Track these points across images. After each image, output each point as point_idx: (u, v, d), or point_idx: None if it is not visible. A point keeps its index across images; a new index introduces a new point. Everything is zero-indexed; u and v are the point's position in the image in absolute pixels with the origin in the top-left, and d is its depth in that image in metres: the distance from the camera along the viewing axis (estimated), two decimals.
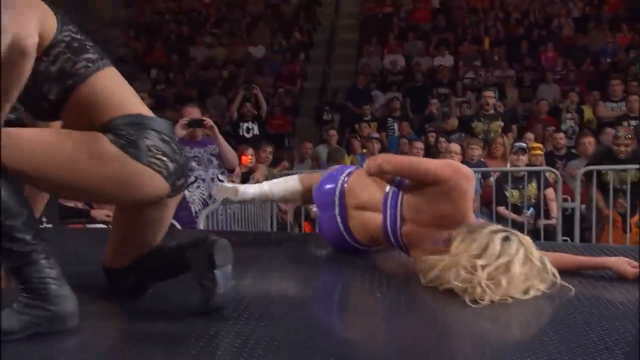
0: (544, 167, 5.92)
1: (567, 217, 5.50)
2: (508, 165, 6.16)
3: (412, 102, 9.60)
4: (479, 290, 1.92)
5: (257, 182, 5.53)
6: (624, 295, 2.09)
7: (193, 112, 4.60)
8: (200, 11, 13.17)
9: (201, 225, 3.97)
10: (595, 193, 5.33)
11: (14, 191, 1.67)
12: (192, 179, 4.34)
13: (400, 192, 2.40)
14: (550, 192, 5.71)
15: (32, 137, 1.72)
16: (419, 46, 11.17)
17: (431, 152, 6.92)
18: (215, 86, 10.63)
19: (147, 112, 1.88)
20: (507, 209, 5.63)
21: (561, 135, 6.86)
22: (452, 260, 2.01)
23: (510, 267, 1.97)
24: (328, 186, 2.64)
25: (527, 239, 2.09)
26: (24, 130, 1.76)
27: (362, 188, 2.55)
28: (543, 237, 5.34)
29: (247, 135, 7.61)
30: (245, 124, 7.77)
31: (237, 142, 6.81)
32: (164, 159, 1.81)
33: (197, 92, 10.27)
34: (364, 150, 7.37)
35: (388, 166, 2.38)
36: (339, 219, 2.59)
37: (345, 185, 2.61)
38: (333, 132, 7.95)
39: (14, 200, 1.65)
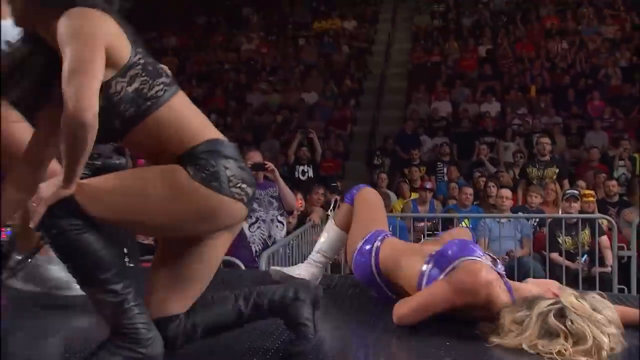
0: (597, 215, 5.73)
1: (623, 266, 5.27)
2: (560, 211, 5.99)
3: (458, 147, 9.48)
4: None
5: (314, 223, 5.49)
6: None
7: (255, 156, 4.68)
8: (257, 60, 13.35)
9: (263, 265, 3.93)
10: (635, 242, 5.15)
11: (105, 244, 1.67)
12: (253, 219, 4.38)
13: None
14: (604, 239, 5.50)
15: (110, 185, 1.72)
16: (466, 93, 11.08)
17: (480, 195, 6.79)
18: (270, 130, 10.70)
19: (220, 136, 1.82)
20: (560, 255, 5.47)
21: (613, 182, 6.67)
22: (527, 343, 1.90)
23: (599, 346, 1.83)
24: (362, 259, 2.58)
25: (579, 304, 1.88)
26: (101, 179, 1.75)
27: (395, 263, 2.45)
28: (598, 285, 5.12)
29: (302, 178, 7.62)
30: (301, 167, 7.80)
31: (293, 184, 6.77)
32: (244, 185, 1.76)
33: (252, 136, 10.36)
34: (414, 195, 7.24)
35: (408, 320, 2.19)
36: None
37: (379, 257, 2.53)
38: (384, 176, 7.85)
39: (105, 254, 1.66)
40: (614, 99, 9.95)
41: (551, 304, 1.90)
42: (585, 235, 5.54)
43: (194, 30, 14.69)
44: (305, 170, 7.71)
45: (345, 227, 2.80)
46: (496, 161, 8.52)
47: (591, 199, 6.11)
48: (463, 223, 5.77)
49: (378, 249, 2.54)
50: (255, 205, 4.32)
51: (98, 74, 1.63)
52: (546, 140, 7.36)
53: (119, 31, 1.73)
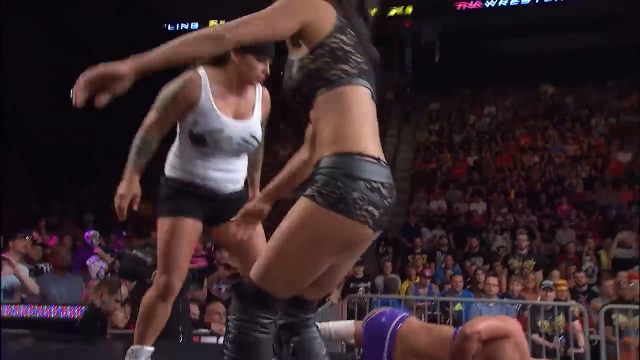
0: (570, 302, 5.48)
1: (595, 347, 4.99)
2: (538, 298, 5.75)
3: (454, 238, 9.28)
4: None
5: (332, 304, 5.30)
6: None
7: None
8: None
9: None
10: (603, 329, 4.91)
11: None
12: None
13: None
14: (577, 324, 5.24)
15: (273, 261, 1.46)
16: (458, 194, 10.96)
17: (471, 282, 6.58)
18: None
19: (368, 148, 1.47)
20: (540, 336, 5.20)
21: (582, 274, 6.42)
22: None
23: None
24: (383, 320, 2.37)
25: None
26: (261, 259, 1.49)
27: (417, 339, 2.27)
28: None
29: None
30: None
31: None
32: (370, 208, 1.42)
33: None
34: (417, 280, 7.03)
35: None
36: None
37: (398, 328, 2.31)
38: (389, 264, 7.63)
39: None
40: (578, 204, 9.77)
41: None
42: (560, 320, 5.30)
43: None
44: None
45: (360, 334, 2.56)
46: (485, 253, 8.29)
47: (564, 288, 5.85)
48: (456, 306, 5.59)
49: (402, 321, 2.38)
50: None
51: (270, 30, 1.45)
52: (524, 236, 7.19)
53: (325, 15, 1.51)
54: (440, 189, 11.25)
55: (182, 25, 17.14)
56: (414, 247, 8.69)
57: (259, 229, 2.24)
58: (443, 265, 7.97)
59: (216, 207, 2.23)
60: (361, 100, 1.51)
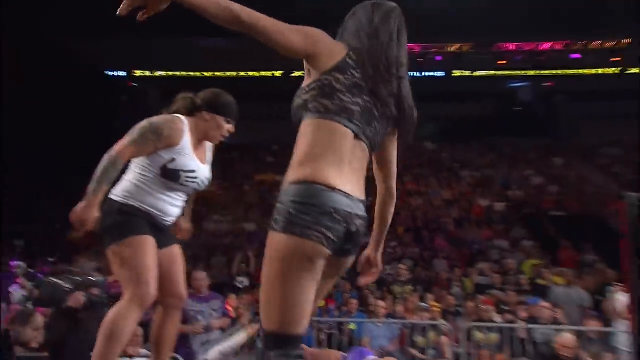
0: (440, 321, 5.78)
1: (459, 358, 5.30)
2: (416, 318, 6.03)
3: (352, 267, 9.44)
4: None
5: (243, 325, 5.24)
6: None
7: (200, 275, 4.46)
8: (214, 199, 13.28)
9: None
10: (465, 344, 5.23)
11: None
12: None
13: None
14: (444, 339, 5.51)
15: (264, 298, 1.40)
16: None
17: (365, 305, 6.76)
18: (219, 250, 10.43)
19: (326, 177, 1.38)
20: (416, 350, 5.44)
21: (452, 298, 6.80)
22: None
23: None
24: None
25: None
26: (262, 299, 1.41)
27: None
28: None
29: (240, 286, 7.34)
30: (240, 278, 7.56)
31: (235, 290, 6.55)
32: (323, 229, 1.34)
33: (206, 253, 10.06)
34: (322, 304, 7.09)
35: None
36: None
37: None
38: None
39: None
40: (451, 240, 10.38)
41: None
42: (432, 336, 5.55)
43: None
44: (243, 281, 7.49)
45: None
46: (377, 280, 8.50)
47: (437, 309, 6.19)
48: (350, 325, 5.71)
49: None
50: (199, 317, 4.06)
51: (281, 37, 1.37)
52: (403, 266, 7.52)
53: (332, 53, 1.44)
54: None
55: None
56: None
57: (178, 251, 2.27)
58: (341, 290, 8.14)
59: (157, 235, 2.16)
60: (330, 134, 1.41)
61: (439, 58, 16.28)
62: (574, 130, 15.12)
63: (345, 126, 1.41)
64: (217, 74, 17.15)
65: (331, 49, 1.45)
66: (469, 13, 13.14)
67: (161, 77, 17.15)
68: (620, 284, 5.34)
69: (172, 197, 2.21)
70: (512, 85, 17.66)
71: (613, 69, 16.59)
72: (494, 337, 5.42)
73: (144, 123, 2.10)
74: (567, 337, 4.42)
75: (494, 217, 11.04)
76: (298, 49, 1.41)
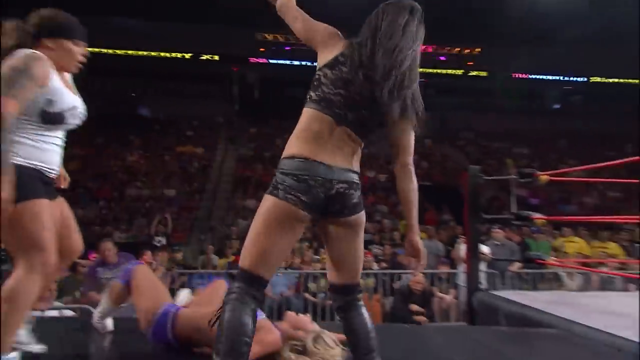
0: None
1: None
2: (311, 268, 6.24)
3: None
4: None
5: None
6: None
7: (107, 245, 4.23)
8: (136, 167, 12.55)
9: None
10: None
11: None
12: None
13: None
14: None
15: (247, 243, 1.45)
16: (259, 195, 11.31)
17: None
18: (140, 213, 9.95)
19: (302, 151, 1.43)
20: (309, 294, 5.65)
21: None
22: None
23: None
24: (159, 330, 1.90)
25: (327, 333, 1.81)
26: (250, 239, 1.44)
27: (193, 330, 1.84)
28: (335, 316, 5.21)
29: (157, 245, 7.08)
30: (158, 237, 7.29)
31: (152, 249, 6.30)
32: (298, 194, 1.39)
33: (128, 216, 9.56)
34: (232, 259, 7.10)
35: None
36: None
37: (176, 329, 1.88)
38: (211, 247, 7.54)
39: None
40: None
41: (302, 342, 1.77)
42: (323, 282, 5.78)
43: (95, 144, 13.45)
44: (160, 240, 7.24)
45: (119, 303, 2.07)
46: None
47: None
48: None
49: (174, 322, 1.88)
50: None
51: (295, 22, 1.55)
52: None
53: (329, 51, 1.47)
54: (254, 190, 11.52)
55: None
56: (231, 233, 8.80)
57: (65, 204, 1.83)
58: None
59: (47, 191, 1.69)
60: (310, 119, 1.46)
61: None
62: (440, 118, 16.26)
63: (325, 114, 1.45)
64: (129, 52, 15.98)
65: (328, 48, 1.48)
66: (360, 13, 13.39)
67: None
68: (463, 236, 5.96)
69: (55, 143, 1.71)
70: None
71: (471, 71, 18.10)
72: (371, 281, 5.78)
73: (6, 70, 1.54)
74: (418, 277, 4.90)
75: (378, 186, 11.64)
76: (305, 37, 1.53)
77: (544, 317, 2.66)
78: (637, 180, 3.37)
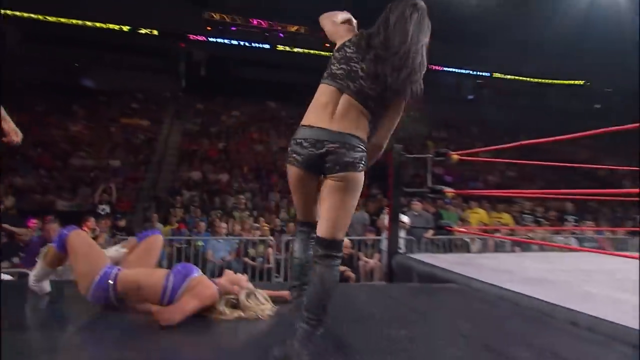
0: (268, 237, 5.95)
1: (278, 264, 5.60)
2: (251, 235, 6.16)
3: (208, 198, 9.18)
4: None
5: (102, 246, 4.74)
6: None
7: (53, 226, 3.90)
8: (80, 137, 11.45)
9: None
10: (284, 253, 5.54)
11: None
12: None
13: None
14: (269, 250, 5.74)
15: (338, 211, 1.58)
16: (210, 168, 10.87)
17: (212, 227, 6.64)
18: (84, 182, 9.14)
19: (307, 119, 1.57)
20: (248, 258, 5.59)
21: (278, 220, 7.01)
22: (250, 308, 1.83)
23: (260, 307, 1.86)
24: (101, 291, 1.81)
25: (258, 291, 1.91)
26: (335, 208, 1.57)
27: (136, 288, 1.81)
28: (266, 276, 5.33)
29: (102, 213, 6.59)
30: (102, 206, 6.76)
31: (96, 217, 5.83)
32: (295, 155, 1.56)
33: (71, 185, 8.74)
34: (175, 226, 6.80)
35: (175, 322, 1.66)
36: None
37: (117, 289, 1.80)
38: (155, 216, 7.12)
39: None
40: (283, 177, 10.62)
41: (236, 296, 1.86)
42: (261, 247, 5.79)
43: (35, 112, 12.02)
44: (105, 208, 6.73)
45: (54, 266, 1.97)
46: (224, 208, 8.44)
47: (266, 228, 6.37)
48: (198, 242, 5.60)
49: (115, 282, 1.80)
50: None
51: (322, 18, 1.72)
52: (242, 197, 7.55)
53: (340, 38, 1.63)
54: (199, 163, 11.05)
55: None
56: (175, 202, 8.40)
57: None
58: (194, 215, 7.90)
59: None
60: (319, 92, 1.58)
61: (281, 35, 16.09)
62: None
63: (329, 84, 1.56)
64: (73, 21, 14.35)
65: (343, 38, 1.61)
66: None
67: (22, 18, 13.65)
68: (387, 208, 6.17)
69: None
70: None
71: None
72: None
73: None
74: (345, 241, 4.98)
75: None
76: (327, 31, 1.68)
77: (448, 274, 2.83)
78: (531, 162, 3.60)
